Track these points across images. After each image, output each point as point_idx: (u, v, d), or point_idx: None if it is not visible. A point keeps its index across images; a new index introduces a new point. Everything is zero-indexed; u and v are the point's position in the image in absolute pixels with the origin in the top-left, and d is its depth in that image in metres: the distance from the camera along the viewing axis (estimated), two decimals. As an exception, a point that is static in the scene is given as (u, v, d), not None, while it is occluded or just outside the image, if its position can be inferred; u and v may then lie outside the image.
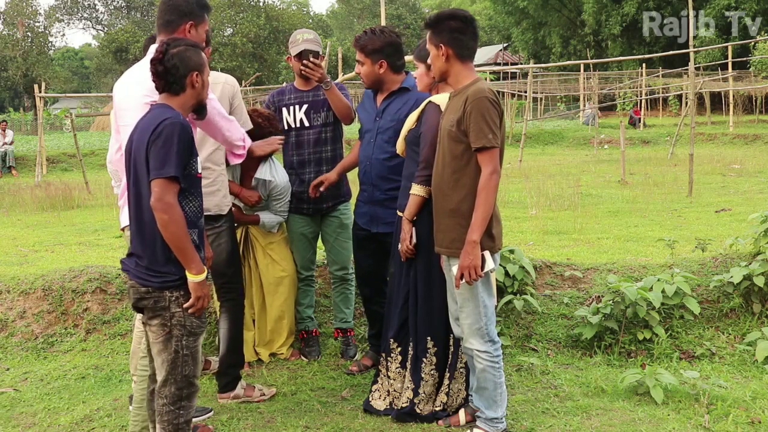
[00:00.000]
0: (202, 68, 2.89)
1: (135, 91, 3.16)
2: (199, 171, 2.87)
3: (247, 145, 3.66)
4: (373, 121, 4.04)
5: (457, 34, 3.18)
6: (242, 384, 3.89)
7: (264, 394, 3.88)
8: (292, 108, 4.36)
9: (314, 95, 4.35)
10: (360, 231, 4.19)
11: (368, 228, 4.11)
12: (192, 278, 2.77)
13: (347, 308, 4.57)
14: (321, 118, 4.32)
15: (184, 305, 2.79)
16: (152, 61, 2.85)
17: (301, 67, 4.18)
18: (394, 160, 3.89)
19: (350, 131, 11.28)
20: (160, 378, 2.85)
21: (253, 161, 4.15)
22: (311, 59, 4.14)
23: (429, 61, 3.34)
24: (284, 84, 4.40)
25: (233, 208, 4.15)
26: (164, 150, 2.69)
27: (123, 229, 3.25)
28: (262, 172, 4.21)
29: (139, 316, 3.26)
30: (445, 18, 3.22)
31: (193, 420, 3.31)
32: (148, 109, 2.91)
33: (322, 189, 4.26)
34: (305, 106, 4.32)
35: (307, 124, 4.34)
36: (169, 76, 2.82)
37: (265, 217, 4.27)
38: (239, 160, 3.74)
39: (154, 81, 2.86)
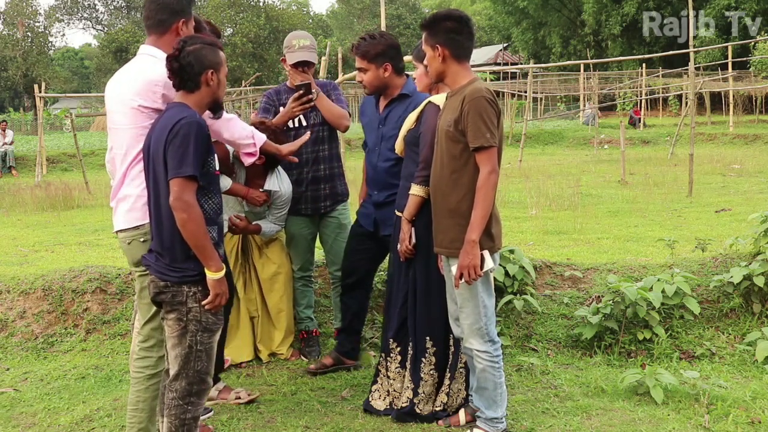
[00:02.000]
0: (218, 67, 2.91)
1: (123, 94, 3.12)
2: (217, 168, 2.90)
3: (258, 142, 3.51)
4: (377, 129, 4.01)
5: (453, 34, 3.18)
6: (218, 386, 3.86)
7: (240, 398, 3.82)
8: None
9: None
10: (360, 228, 4.18)
11: (371, 229, 4.09)
12: (211, 275, 2.80)
13: (347, 309, 4.56)
14: (318, 117, 4.29)
15: (203, 302, 2.82)
16: (168, 57, 2.88)
17: (298, 108, 4.10)
18: (398, 166, 3.87)
19: (354, 132, 11.19)
20: (172, 372, 2.88)
21: (259, 169, 4.14)
22: (303, 93, 4.07)
23: (425, 62, 3.34)
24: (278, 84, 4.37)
25: (238, 220, 4.15)
26: (181, 149, 2.72)
27: (117, 233, 3.19)
28: (271, 183, 4.19)
29: (138, 315, 3.26)
30: (441, 19, 3.22)
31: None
32: (165, 107, 2.92)
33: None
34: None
35: (304, 123, 4.32)
36: (184, 73, 2.84)
37: (266, 227, 4.27)
38: (252, 159, 3.54)
39: (169, 78, 2.88)
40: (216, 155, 3.46)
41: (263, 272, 4.44)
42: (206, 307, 2.83)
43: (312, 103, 4.13)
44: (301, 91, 4.09)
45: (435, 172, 3.27)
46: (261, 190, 4.16)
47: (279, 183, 4.22)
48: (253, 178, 4.20)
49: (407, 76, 4.05)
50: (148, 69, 3.03)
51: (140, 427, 3.10)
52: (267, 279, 4.43)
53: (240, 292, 4.37)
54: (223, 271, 2.83)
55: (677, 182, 10.89)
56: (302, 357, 4.50)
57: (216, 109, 3.01)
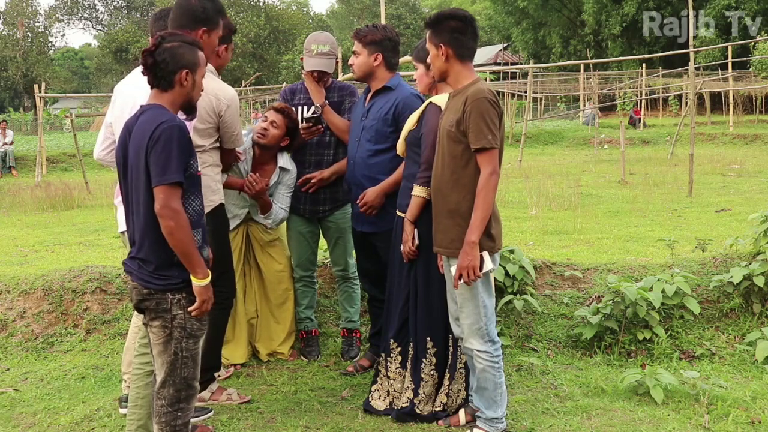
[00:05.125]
0: (194, 67, 2.82)
1: (140, 97, 3.13)
2: (199, 169, 2.85)
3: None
4: (360, 121, 4.04)
5: (457, 34, 3.18)
6: (211, 388, 3.85)
7: (231, 399, 3.81)
8: (300, 108, 4.32)
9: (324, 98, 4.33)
10: (354, 230, 4.20)
11: (355, 227, 4.13)
12: (198, 282, 2.76)
13: (351, 307, 4.53)
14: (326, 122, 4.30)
15: (189, 308, 2.78)
16: (143, 52, 2.80)
17: (306, 137, 4.24)
18: (376, 157, 3.91)
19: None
20: (159, 379, 2.85)
21: (267, 156, 4.21)
22: (311, 125, 4.19)
23: (429, 60, 3.34)
24: (284, 84, 4.40)
25: (256, 182, 4.08)
26: (164, 155, 2.65)
27: (121, 233, 3.20)
28: (284, 161, 4.27)
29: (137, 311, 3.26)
30: (445, 18, 3.22)
31: (193, 420, 3.31)
32: (138, 110, 2.86)
33: (313, 181, 4.23)
34: (313, 108, 4.29)
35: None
36: (158, 70, 2.77)
37: (275, 206, 4.24)
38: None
39: (143, 74, 2.82)
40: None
41: (268, 267, 4.41)
42: (193, 313, 2.79)
43: (321, 131, 4.22)
44: (310, 124, 4.19)
45: (436, 172, 3.27)
46: (277, 167, 4.24)
47: (290, 162, 4.30)
48: (262, 164, 4.23)
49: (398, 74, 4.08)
50: None
51: (139, 424, 3.09)
52: (271, 273, 4.42)
53: (239, 293, 4.35)
54: (209, 278, 2.79)
55: (677, 182, 10.89)
56: (302, 357, 4.50)
57: (189, 110, 2.92)
